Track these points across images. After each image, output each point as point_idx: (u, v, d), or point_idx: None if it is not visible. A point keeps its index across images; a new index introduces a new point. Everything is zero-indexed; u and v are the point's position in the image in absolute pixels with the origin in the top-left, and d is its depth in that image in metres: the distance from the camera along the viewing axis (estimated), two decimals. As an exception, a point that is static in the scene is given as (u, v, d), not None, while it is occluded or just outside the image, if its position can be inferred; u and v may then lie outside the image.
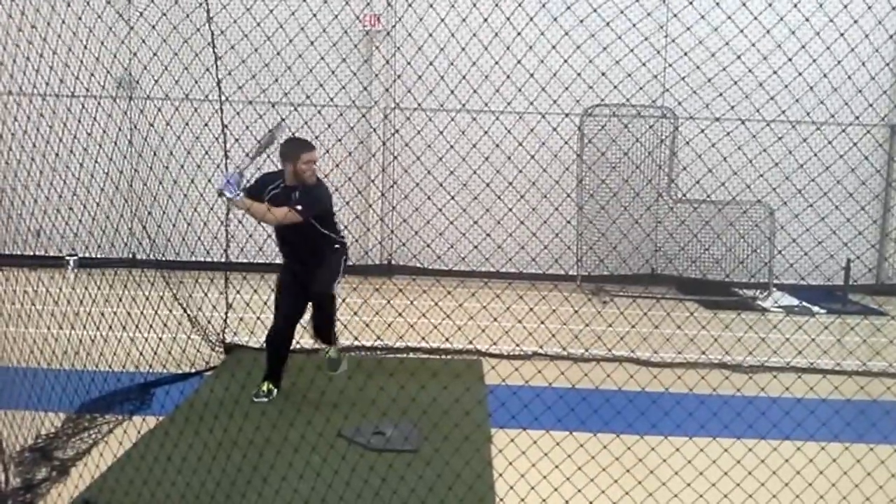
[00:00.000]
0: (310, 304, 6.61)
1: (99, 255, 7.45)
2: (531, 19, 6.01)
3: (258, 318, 6.16)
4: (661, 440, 5.54)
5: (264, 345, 6.70)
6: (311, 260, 6.43)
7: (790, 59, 6.62)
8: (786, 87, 6.44)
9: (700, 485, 4.97)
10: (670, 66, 10.58)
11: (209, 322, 7.82)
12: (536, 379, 6.20)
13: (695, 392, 6.33)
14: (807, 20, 6.10)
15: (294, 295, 6.52)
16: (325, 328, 6.65)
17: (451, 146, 6.84)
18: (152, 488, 4.71)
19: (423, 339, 7.33)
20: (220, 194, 6.16)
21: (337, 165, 8.43)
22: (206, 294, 7.23)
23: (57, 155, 6.07)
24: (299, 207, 6.20)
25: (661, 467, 5.12)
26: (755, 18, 5.78)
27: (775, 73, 6.43)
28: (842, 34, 6.28)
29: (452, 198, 7.04)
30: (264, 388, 6.55)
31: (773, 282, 12.30)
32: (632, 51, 6.45)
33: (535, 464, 4.99)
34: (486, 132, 6.78)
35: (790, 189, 7.86)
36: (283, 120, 6.58)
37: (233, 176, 6.15)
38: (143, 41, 5.53)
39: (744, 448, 5.40)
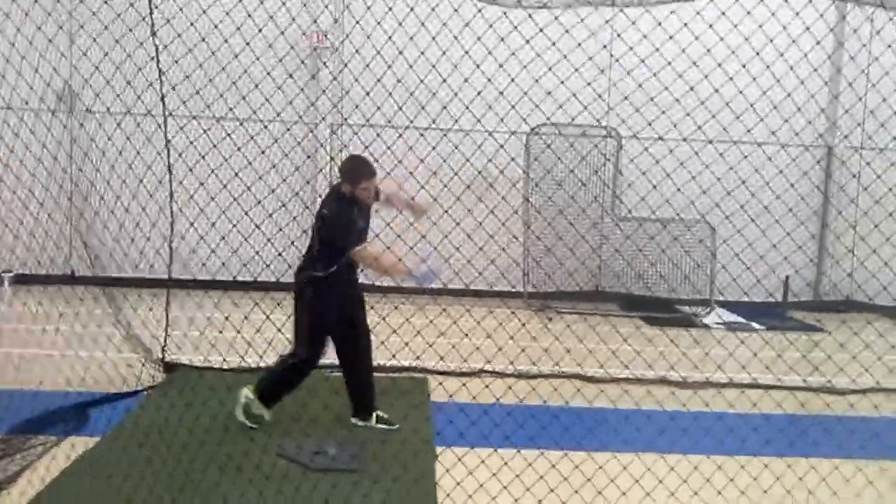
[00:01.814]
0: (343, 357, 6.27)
1: (37, 272, 7.27)
2: (479, 39, 6.06)
3: (201, 333, 6.06)
4: (609, 458, 5.57)
5: (280, 368, 6.14)
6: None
7: (731, 78, 6.77)
8: (727, 104, 6.59)
9: None
10: (614, 85, 10.77)
11: (152, 339, 7.66)
12: (483, 395, 6.20)
13: (640, 407, 6.39)
14: (746, 40, 6.26)
15: (335, 329, 6.11)
16: (370, 384, 6.38)
17: (399, 162, 6.83)
18: (89, 512, 4.59)
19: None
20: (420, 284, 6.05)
21: (284, 180, 8.36)
22: (150, 310, 7.09)
23: (-6, 168, 5.93)
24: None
25: (609, 487, 5.14)
26: (696, 38, 5.89)
27: (716, 91, 6.57)
28: (781, 54, 6.45)
29: (401, 212, 7.04)
30: (262, 412, 6.15)
31: (714, 299, 12.51)
32: (577, 70, 6.53)
33: (483, 484, 4.97)
34: (433, 148, 6.80)
35: (731, 206, 8.03)
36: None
37: (434, 264, 6.06)
38: (85, 54, 5.44)
39: (689, 465, 5.46)
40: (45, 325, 5.79)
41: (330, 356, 6.19)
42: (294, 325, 6.01)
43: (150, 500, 4.70)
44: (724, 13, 6.03)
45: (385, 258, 5.88)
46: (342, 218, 5.94)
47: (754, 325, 11.72)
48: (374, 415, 6.30)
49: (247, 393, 6.12)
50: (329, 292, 5.90)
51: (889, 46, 6.95)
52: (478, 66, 6.43)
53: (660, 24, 6.27)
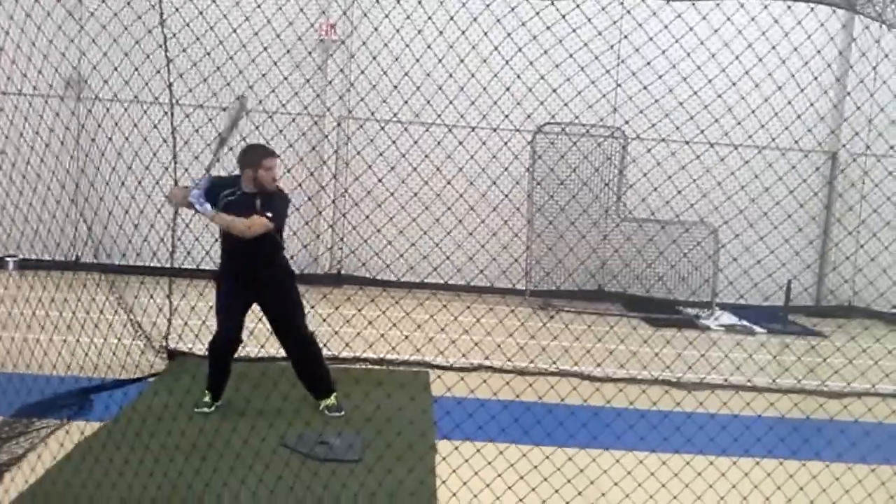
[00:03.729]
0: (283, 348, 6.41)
1: (41, 257, 7.32)
2: (485, 34, 6.10)
3: (203, 323, 6.11)
4: (601, 452, 5.63)
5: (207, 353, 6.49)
6: (263, 271, 6.18)
7: (734, 84, 6.81)
8: (729, 110, 6.63)
9: (639, 497, 5.06)
10: (619, 86, 10.80)
11: (154, 327, 7.72)
12: (481, 390, 6.25)
13: (635, 406, 6.44)
14: (750, 46, 6.30)
15: (237, 303, 6.27)
16: (317, 376, 6.45)
17: (403, 156, 6.87)
18: (90, 492, 4.64)
19: (370, 348, 7.34)
20: (191, 207, 5.94)
21: (288, 171, 8.40)
22: (151, 298, 7.14)
23: (2, 152, 5.97)
24: (269, 215, 5.99)
25: (601, 479, 5.20)
26: (701, 43, 5.94)
27: (719, 96, 6.61)
28: (783, 61, 6.48)
29: (403, 207, 7.09)
30: (206, 398, 6.35)
31: (715, 301, 12.56)
32: (582, 69, 6.57)
33: (478, 472, 5.03)
34: (438, 143, 6.86)
35: (733, 209, 8.06)
36: (242, 95, 6.29)
37: (202, 186, 5.94)
38: (94, 41, 5.48)
39: (681, 461, 5.51)
40: (49, 310, 5.83)
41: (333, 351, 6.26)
42: None
43: (151, 486, 4.76)
44: (728, 18, 6.06)
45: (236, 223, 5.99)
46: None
47: (756, 328, 11.77)
48: (324, 404, 6.47)
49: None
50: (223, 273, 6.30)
51: (886, 56, 6.99)
52: (484, 62, 6.47)
53: (666, 27, 6.32)
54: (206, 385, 6.39)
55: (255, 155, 6.12)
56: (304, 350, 6.35)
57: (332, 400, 6.46)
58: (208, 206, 5.89)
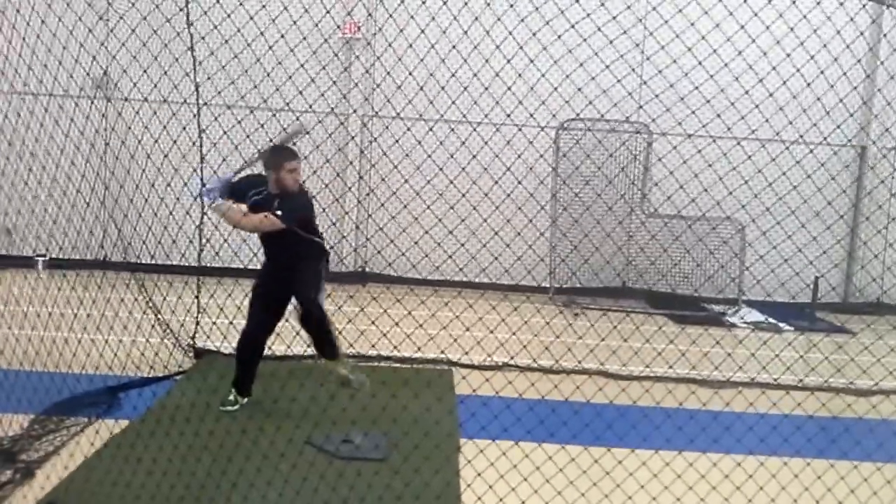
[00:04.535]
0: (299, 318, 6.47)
1: (70, 257, 7.41)
2: (510, 33, 6.10)
3: (231, 323, 6.16)
4: (627, 453, 5.61)
5: (235, 351, 6.59)
6: (296, 266, 6.30)
7: (761, 81, 6.76)
8: (756, 107, 6.58)
9: (666, 499, 5.04)
10: (645, 83, 10.75)
11: (181, 326, 7.80)
12: (507, 390, 6.25)
13: (662, 406, 6.42)
14: (778, 43, 6.24)
15: (269, 301, 6.40)
16: (321, 342, 6.52)
17: (429, 156, 6.88)
18: (120, 491, 4.70)
19: (396, 347, 7.36)
20: (197, 198, 6.10)
21: (314, 172, 8.45)
22: (179, 298, 7.21)
23: (32, 154, 6.05)
24: (279, 213, 6.11)
25: (628, 480, 5.19)
26: (728, 40, 5.89)
27: (747, 92, 6.56)
28: (812, 57, 6.42)
29: (429, 207, 7.11)
30: (231, 397, 6.44)
31: (741, 298, 12.46)
32: (607, 67, 6.54)
33: (504, 475, 5.03)
34: (463, 143, 6.85)
35: (760, 206, 8.00)
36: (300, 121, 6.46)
37: (214, 181, 6.09)
38: (123, 44, 5.54)
39: (708, 462, 5.49)
40: (77, 310, 5.91)
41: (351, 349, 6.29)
42: None
43: (179, 485, 4.81)
44: (756, 14, 6.02)
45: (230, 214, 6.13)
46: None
47: (782, 325, 11.67)
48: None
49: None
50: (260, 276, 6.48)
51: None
52: (508, 61, 6.46)
53: (692, 24, 6.28)
54: (233, 383, 6.47)
55: (278, 157, 6.21)
56: (309, 315, 6.44)
57: (342, 369, 6.60)
58: (216, 195, 6.03)
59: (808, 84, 6.02)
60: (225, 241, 6.07)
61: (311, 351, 6.72)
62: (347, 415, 6.17)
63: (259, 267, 6.55)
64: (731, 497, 5.11)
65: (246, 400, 6.49)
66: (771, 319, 11.94)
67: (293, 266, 6.31)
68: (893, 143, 12.94)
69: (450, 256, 6.80)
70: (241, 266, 6.85)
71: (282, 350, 7.20)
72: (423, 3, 6.97)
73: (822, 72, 5.94)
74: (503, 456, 5.25)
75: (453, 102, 7.33)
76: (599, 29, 6.29)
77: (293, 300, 6.38)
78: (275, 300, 6.41)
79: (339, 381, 6.56)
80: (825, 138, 7.91)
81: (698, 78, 7.34)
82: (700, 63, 6.48)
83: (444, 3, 6.34)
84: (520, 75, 6.76)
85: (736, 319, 11.93)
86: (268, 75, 6.19)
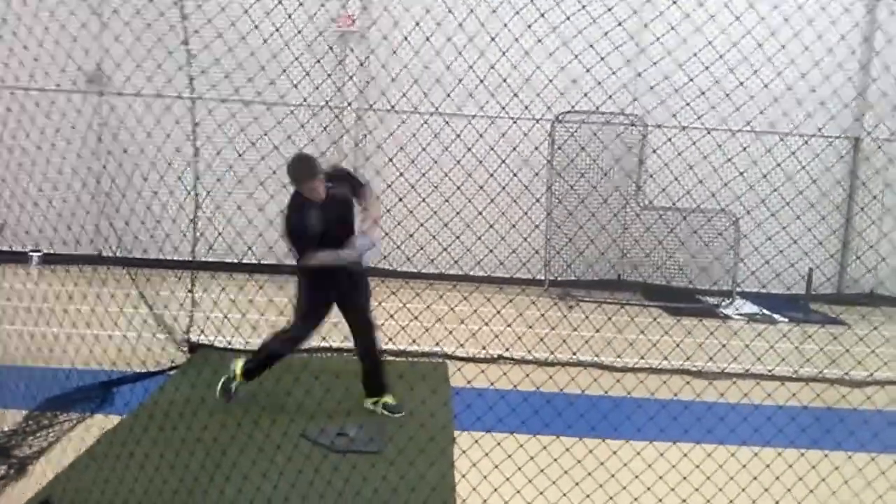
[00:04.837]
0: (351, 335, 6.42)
1: (64, 252, 7.39)
2: (505, 25, 6.09)
3: (225, 317, 6.15)
4: (622, 444, 5.62)
5: (266, 344, 6.42)
6: (354, 270, 6.22)
7: (755, 73, 6.75)
8: (751, 98, 6.58)
9: (660, 489, 5.06)
10: (639, 75, 10.74)
11: (175, 321, 7.78)
12: (501, 382, 6.25)
13: (656, 397, 6.43)
14: (772, 34, 6.24)
15: (323, 306, 6.29)
16: (375, 369, 6.44)
17: (424, 149, 6.87)
18: (114, 486, 4.70)
19: (391, 340, 7.36)
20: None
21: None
22: (172, 293, 7.20)
23: (23, 149, 6.03)
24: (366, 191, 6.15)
25: (622, 471, 5.20)
26: (722, 32, 5.89)
27: (741, 84, 6.56)
28: (807, 48, 6.42)
29: (423, 200, 7.10)
30: (237, 370, 6.37)
31: (735, 290, 12.48)
32: (602, 59, 6.53)
33: (498, 465, 5.04)
34: (458, 135, 6.83)
35: (754, 198, 8.01)
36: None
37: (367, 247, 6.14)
38: (116, 38, 5.52)
39: (703, 453, 5.50)
40: (73, 305, 5.90)
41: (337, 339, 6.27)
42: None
43: (173, 479, 4.81)
44: (751, 6, 6.01)
45: (324, 258, 5.98)
46: (288, 221, 6.09)
47: (777, 317, 11.70)
48: (381, 401, 6.39)
49: (235, 368, 6.37)
50: (308, 278, 6.17)
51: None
52: (503, 53, 6.45)
53: (687, 15, 6.27)
54: (245, 364, 6.40)
55: (297, 177, 6.06)
56: (371, 336, 6.40)
57: (391, 399, 6.47)
58: (365, 250, 6.11)
59: (803, 76, 6.04)
60: (219, 234, 6.06)
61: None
62: (342, 408, 6.17)
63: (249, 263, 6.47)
64: (725, 487, 5.12)
65: (245, 384, 6.43)
66: (765, 311, 11.97)
67: (352, 270, 6.22)
68: (887, 134, 12.94)
69: (445, 249, 6.79)
70: (235, 260, 6.85)
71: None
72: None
73: (816, 63, 5.96)
74: (498, 447, 5.25)
75: (448, 95, 7.31)
76: (595, 20, 6.29)
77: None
78: (325, 306, 6.31)
79: (387, 408, 6.43)
80: (820, 129, 7.92)
81: (693, 70, 7.35)
82: (695, 54, 6.47)
83: (439, -4, 6.34)
84: (515, 67, 6.76)
85: (730, 311, 11.96)
86: (262, 69, 6.18)
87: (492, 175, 7.26)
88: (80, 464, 5.09)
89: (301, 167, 6.04)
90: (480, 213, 6.73)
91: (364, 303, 6.42)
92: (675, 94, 7.15)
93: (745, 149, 7.70)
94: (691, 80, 6.97)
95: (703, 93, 7.03)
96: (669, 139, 8.65)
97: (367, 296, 6.49)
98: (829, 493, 5.19)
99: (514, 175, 7.91)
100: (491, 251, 7.10)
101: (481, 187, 7.29)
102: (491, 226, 6.70)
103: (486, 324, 6.82)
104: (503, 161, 6.95)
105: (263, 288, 6.93)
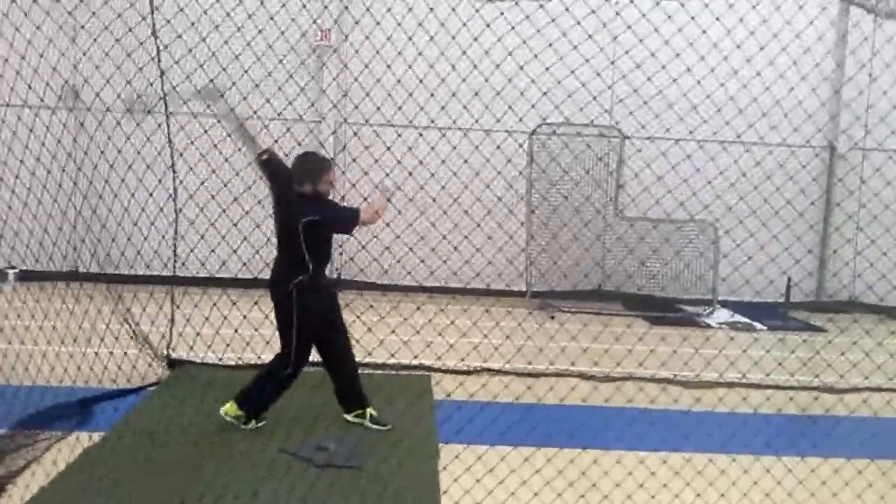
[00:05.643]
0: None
1: (39, 269, 7.32)
2: (475, 39, 6.12)
3: (198, 333, 6.09)
4: (602, 453, 5.62)
5: (268, 379, 6.02)
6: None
7: (745, 86, 6.82)
8: (730, 99, 6.65)
9: (640, 497, 5.06)
10: (610, 87, 10.81)
11: (151, 336, 7.72)
12: (482, 393, 6.24)
13: (636, 405, 6.45)
14: (738, 47, 6.31)
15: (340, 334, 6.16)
16: (352, 381, 6.23)
17: (399, 161, 6.89)
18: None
19: (369, 353, 7.34)
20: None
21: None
22: (144, 310, 7.14)
23: (3, 162, 5.98)
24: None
25: (603, 480, 5.20)
26: (690, 45, 5.95)
27: (731, 99, 6.62)
28: (771, 62, 6.48)
29: (399, 212, 7.11)
30: (249, 422, 6.03)
31: (716, 298, 12.54)
32: (572, 72, 6.57)
33: (480, 479, 5.02)
34: (432, 148, 6.88)
35: (737, 207, 8.07)
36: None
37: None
38: (85, 54, 5.49)
39: (682, 460, 5.51)
40: (50, 322, 5.84)
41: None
42: (283, 334, 5.94)
43: (153, 496, 4.76)
44: (717, 19, 6.06)
45: (372, 210, 5.88)
46: (336, 211, 5.94)
47: (757, 325, 11.76)
48: (368, 413, 6.28)
49: (226, 413, 6.01)
50: (318, 297, 5.88)
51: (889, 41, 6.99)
52: (475, 66, 6.48)
53: (656, 29, 6.34)
54: (256, 409, 6.07)
55: (317, 172, 5.81)
56: (351, 352, 6.23)
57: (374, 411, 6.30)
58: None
59: (791, 89, 6.12)
60: (192, 250, 6.02)
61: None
62: (322, 422, 6.14)
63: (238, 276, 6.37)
64: (703, 493, 5.13)
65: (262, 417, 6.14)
66: (745, 319, 12.03)
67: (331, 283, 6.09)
68: (874, 143, 13.00)
69: (421, 261, 6.79)
70: (210, 276, 6.81)
71: (252, 358, 7.16)
72: (389, 10, 6.98)
73: (781, 75, 6.03)
74: (479, 461, 5.24)
75: (422, 108, 7.33)
76: (564, 34, 6.34)
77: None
78: (325, 330, 6.09)
79: (373, 420, 6.26)
80: (808, 141, 8.01)
81: (664, 81, 7.42)
82: (664, 67, 6.54)
83: (410, 10, 6.37)
84: (486, 80, 6.79)
85: (710, 320, 12.01)
86: (234, 85, 6.16)
87: (466, 187, 7.29)
88: (59, 483, 5.01)
89: (318, 159, 5.90)
90: (456, 226, 6.77)
91: (341, 314, 6.25)
92: (649, 103, 7.21)
93: (735, 161, 7.77)
94: (659, 91, 7.06)
95: (695, 107, 7.09)
96: (663, 153, 8.66)
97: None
98: (807, 495, 5.22)
99: (487, 187, 7.96)
100: (466, 262, 7.11)
101: (455, 199, 7.31)
102: (465, 237, 6.73)
103: (464, 335, 6.83)
104: (477, 174, 6.99)
105: (237, 304, 6.92)
